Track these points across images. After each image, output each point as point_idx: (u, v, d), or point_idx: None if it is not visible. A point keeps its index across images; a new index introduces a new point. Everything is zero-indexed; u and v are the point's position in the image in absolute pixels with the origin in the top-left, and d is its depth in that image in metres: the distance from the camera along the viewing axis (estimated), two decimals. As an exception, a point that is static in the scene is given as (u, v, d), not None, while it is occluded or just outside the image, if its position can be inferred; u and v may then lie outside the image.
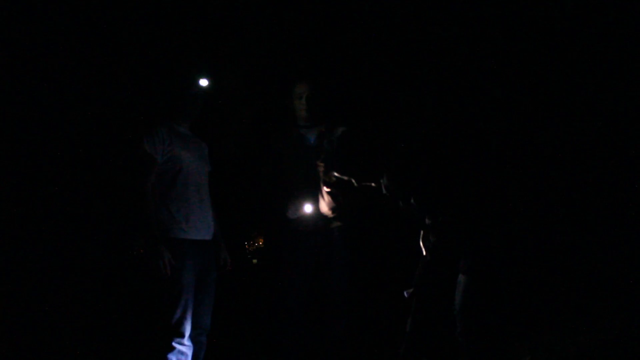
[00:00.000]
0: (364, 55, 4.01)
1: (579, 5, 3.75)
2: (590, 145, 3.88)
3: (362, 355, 3.37)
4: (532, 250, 3.58)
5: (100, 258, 3.84)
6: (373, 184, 2.91)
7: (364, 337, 3.56)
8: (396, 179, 2.83)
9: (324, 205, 3.11)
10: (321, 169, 3.08)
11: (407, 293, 2.80)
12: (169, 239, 2.65)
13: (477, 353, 2.79)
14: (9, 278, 3.54)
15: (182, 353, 2.65)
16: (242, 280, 3.85)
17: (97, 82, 3.82)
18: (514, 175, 3.59)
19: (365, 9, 3.97)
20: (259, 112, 3.96)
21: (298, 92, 3.17)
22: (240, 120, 3.93)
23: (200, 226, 2.75)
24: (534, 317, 3.48)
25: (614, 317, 3.42)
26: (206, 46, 3.88)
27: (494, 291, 2.84)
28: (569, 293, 3.62)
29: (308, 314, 3.14)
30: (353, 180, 2.98)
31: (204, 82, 2.93)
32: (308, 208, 3.05)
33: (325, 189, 3.09)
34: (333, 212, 3.12)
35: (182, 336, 2.64)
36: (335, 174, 3.04)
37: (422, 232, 2.88)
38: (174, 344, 2.62)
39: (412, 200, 2.84)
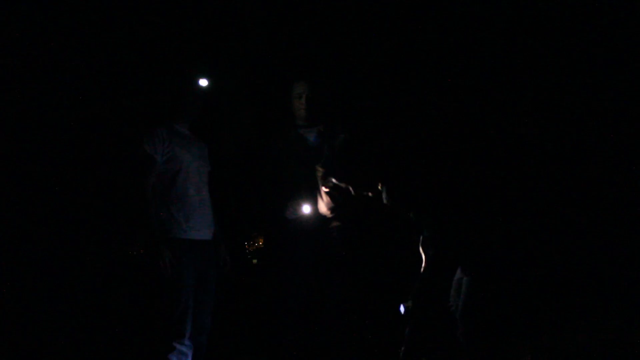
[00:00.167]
0: (363, 54, 4.01)
1: (578, 5, 3.75)
2: (590, 145, 3.88)
3: (362, 355, 3.37)
4: (532, 251, 3.58)
5: (100, 258, 3.84)
6: (370, 194, 2.94)
7: (364, 337, 3.57)
8: (395, 194, 2.86)
9: (323, 206, 3.11)
10: (320, 174, 3.09)
11: (404, 307, 2.80)
12: (169, 239, 2.65)
13: (477, 353, 2.80)
14: (9, 278, 3.54)
15: (182, 353, 2.64)
16: (242, 280, 3.84)
17: (97, 82, 3.83)
18: (513, 176, 3.59)
19: (365, 9, 3.97)
20: (259, 112, 3.96)
21: (297, 91, 3.17)
22: (240, 120, 3.93)
23: (200, 226, 2.75)
24: (534, 317, 3.47)
25: (614, 317, 3.42)
26: (206, 46, 3.88)
27: (494, 292, 2.85)
28: (569, 293, 3.62)
29: (308, 314, 3.14)
30: (350, 188, 3.01)
31: (204, 82, 2.94)
32: (307, 208, 3.05)
33: (324, 189, 3.09)
34: (332, 212, 3.12)
35: (183, 336, 2.64)
36: (334, 180, 3.05)
37: (421, 239, 2.89)
38: (174, 343, 2.62)
39: (411, 215, 2.87)
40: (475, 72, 3.88)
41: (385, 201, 2.91)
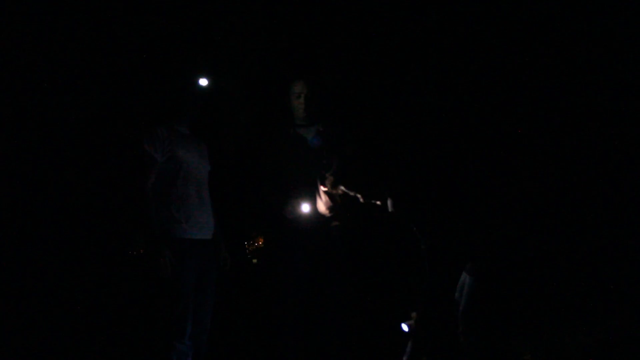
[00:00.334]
0: (362, 54, 4.01)
1: (579, 5, 3.75)
2: (590, 145, 3.88)
3: (362, 355, 3.37)
4: (532, 251, 3.58)
5: (100, 258, 3.84)
6: (379, 202, 2.94)
7: (364, 337, 3.56)
8: (400, 207, 2.87)
9: (322, 205, 3.11)
10: (329, 182, 3.09)
11: (407, 326, 2.79)
12: (170, 239, 2.65)
13: (477, 353, 2.80)
14: (10, 278, 3.55)
15: (182, 352, 2.65)
16: (242, 280, 3.85)
17: (97, 82, 3.83)
18: (515, 178, 3.59)
19: (364, 9, 3.97)
20: (258, 112, 3.96)
21: (296, 91, 3.17)
22: (240, 120, 3.93)
23: (200, 226, 2.75)
24: (534, 317, 3.48)
25: (614, 317, 3.43)
26: (206, 46, 3.88)
27: (496, 292, 2.85)
28: (569, 293, 3.62)
29: (307, 314, 3.13)
30: (359, 196, 3.01)
31: (203, 82, 2.94)
32: (306, 208, 3.05)
33: (323, 188, 3.09)
34: (331, 212, 3.12)
35: (183, 335, 2.64)
36: (343, 188, 3.06)
37: (422, 250, 2.89)
38: (174, 343, 2.62)
39: (414, 229, 2.87)
40: (475, 72, 3.88)
41: (390, 209, 2.91)
